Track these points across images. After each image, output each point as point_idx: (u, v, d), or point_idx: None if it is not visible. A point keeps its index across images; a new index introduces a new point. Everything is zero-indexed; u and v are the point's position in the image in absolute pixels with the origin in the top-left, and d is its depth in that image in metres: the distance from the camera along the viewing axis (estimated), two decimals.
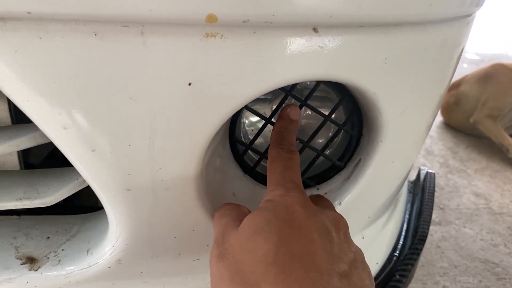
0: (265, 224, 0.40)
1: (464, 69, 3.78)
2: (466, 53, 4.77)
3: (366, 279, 0.40)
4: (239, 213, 0.46)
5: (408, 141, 0.59)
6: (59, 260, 0.53)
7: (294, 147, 0.51)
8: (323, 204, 0.50)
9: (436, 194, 2.00)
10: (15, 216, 0.59)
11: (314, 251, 0.38)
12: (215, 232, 0.45)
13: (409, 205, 0.97)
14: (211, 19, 0.36)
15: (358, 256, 0.42)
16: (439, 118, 2.93)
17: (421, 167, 1.07)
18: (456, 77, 2.84)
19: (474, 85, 2.57)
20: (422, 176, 1.05)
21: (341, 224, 0.44)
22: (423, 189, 0.99)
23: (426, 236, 0.84)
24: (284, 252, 0.37)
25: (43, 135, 0.43)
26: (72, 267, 0.52)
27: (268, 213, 0.41)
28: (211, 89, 0.41)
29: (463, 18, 0.54)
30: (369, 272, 0.42)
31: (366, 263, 0.43)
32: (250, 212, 0.47)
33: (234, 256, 0.40)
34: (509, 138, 2.37)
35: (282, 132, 0.52)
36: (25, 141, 0.48)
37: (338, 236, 0.42)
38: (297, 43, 0.41)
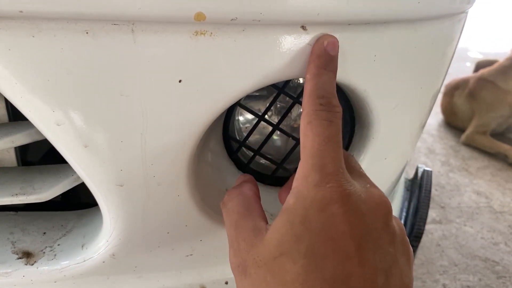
0: (293, 242, 0.34)
1: (467, 68, 3.77)
2: (469, 52, 4.76)
3: (406, 277, 0.36)
4: (250, 209, 0.41)
5: (400, 138, 0.60)
6: (55, 255, 0.54)
7: (337, 100, 0.40)
8: (362, 180, 0.40)
9: (437, 192, 2.00)
10: (12, 212, 0.60)
11: (349, 271, 0.33)
12: (227, 230, 0.41)
13: (406, 203, 0.98)
14: (199, 17, 0.37)
15: (398, 247, 0.36)
16: (441, 117, 2.92)
17: (419, 165, 1.07)
18: (456, 75, 2.84)
19: (465, 101, 2.66)
20: (419, 174, 1.05)
21: (384, 213, 0.37)
22: (420, 187, 0.99)
23: (422, 233, 0.85)
24: (314, 276, 0.32)
25: (38, 132, 0.44)
26: (67, 262, 0.53)
27: (297, 225, 0.34)
28: (201, 86, 0.42)
29: (455, 15, 0.54)
30: (409, 254, 0.38)
31: (406, 241, 0.38)
32: (259, 203, 0.42)
33: (259, 275, 0.35)
34: (503, 145, 2.40)
35: (319, 79, 0.40)
36: (20, 138, 0.49)
37: (379, 234, 0.35)
38: (286, 41, 0.42)
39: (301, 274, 0.33)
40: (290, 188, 0.39)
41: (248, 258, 0.36)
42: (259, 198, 0.45)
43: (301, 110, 0.40)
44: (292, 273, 0.33)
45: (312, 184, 0.35)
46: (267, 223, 0.40)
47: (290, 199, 0.37)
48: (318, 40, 0.42)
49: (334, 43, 0.41)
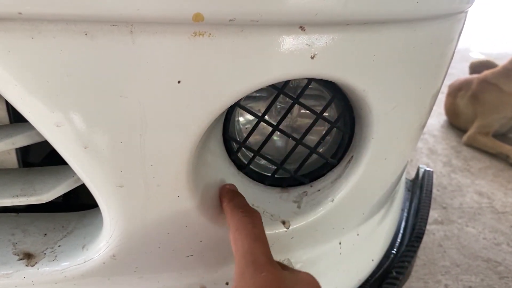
0: None
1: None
2: (470, 52, 4.75)
3: None
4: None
5: (400, 138, 0.60)
6: (56, 256, 0.54)
7: (253, 209, 0.50)
8: (289, 268, 0.47)
9: (439, 193, 1.99)
10: (13, 214, 0.60)
11: None
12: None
13: (407, 203, 0.97)
14: (198, 18, 0.37)
15: None
16: (443, 118, 2.92)
17: (420, 166, 1.07)
18: (458, 76, 2.83)
19: (468, 102, 2.66)
20: (420, 175, 1.05)
21: None
22: (421, 187, 0.99)
23: (423, 234, 0.85)
24: None
25: (38, 133, 0.44)
26: (67, 263, 0.54)
27: None
28: (200, 86, 0.42)
29: (454, 15, 0.54)
30: None
31: None
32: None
33: None
34: (505, 145, 2.40)
35: (235, 199, 0.51)
36: (21, 139, 0.49)
37: None
38: (284, 41, 0.42)
39: None
40: None
41: None
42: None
43: (228, 226, 0.48)
44: None
45: (248, 277, 0.40)
46: None
47: None
48: (222, 186, 0.55)
49: (233, 185, 0.55)
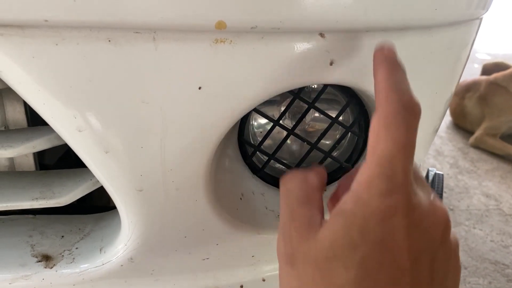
0: (349, 249, 0.32)
1: (475, 69, 3.75)
2: (477, 53, 4.73)
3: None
4: (310, 198, 0.38)
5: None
6: (73, 258, 0.54)
7: (416, 98, 0.35)
8: (426, 190, 0.36)
9: (446, 195, 1.99)
10: (30, 216, 0.61)
11: (402, 286, 0.32)
12: (282, 212, 0.38)
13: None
14: (220, 26, 0.38)
15: (451, 263, 0.36)
16: (449, 119, 2.91)
17: (430, 168, 1.07)
18: (464, 77, 2.82)
19: (476, 104, 2.65)
20: (430, 177, 1.05)
21: (444, 228, 0.35)
22: None
23: None
24: (366, 285, 0.31)
25: (58, 137, 0.45)
26: (85, 265, 0.54)
27: (355, 232, 0.32)
28: (220, 92, 0.42)
29: (470, 21, 0.54)
30: (459, 269, 0.37)
31: (458, 256, 0.37)
32: (321, 196, 0.40)
33: (306, 271, 0.34)
34: None
35: (395, 76, 0.36)
36: (41, 143, 0.50)
37: (436, 249, 0.34)
38: (304, 48, 0.42)
39: (351, 283, 0.31)
40: (338, 195, 0.38)
41: (298, 250, 0.35)
42: (322, 191, 0.41)
43: (375, 110, 0.35)
44: (343, 279, 0.32)
45: (377, 192, 0.32)
46: (323, 218, 0.37)
47: (349, 202, 0.34)
48: (378, 49, 0.39)
49: (393, 49, 0.39)
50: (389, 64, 0.37)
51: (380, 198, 0.32)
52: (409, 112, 0.33)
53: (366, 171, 0.33)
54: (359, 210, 0.33)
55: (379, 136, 0.33)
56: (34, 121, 0.56)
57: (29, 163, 0.58)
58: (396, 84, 0.35)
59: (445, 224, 0.35)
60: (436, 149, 2.52)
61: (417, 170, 0.38)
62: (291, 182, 0.40)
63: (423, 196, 0.35)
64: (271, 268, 0.62)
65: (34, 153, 0.59)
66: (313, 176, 0.41)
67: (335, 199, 0.44)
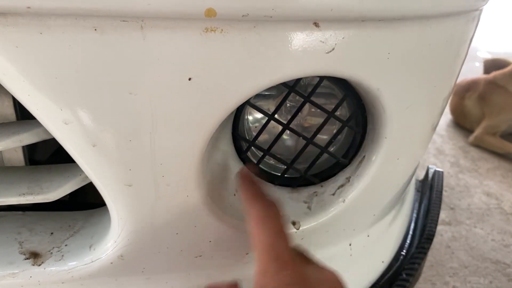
0: None
1: (476, 68, 3.73)
2: (478, 52, 4.71)
3: None
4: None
5: (413, 138, 0.59)
6: (62, 256, 0.53)
7: (268, 197, 0.46)
8: (312, 263, 0.46)
9: (446, 194, 1.98)
10: (19, 212, 0.59)
11: None
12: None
13: (417, 204, 0.96)
14: (210, 13, 0.36)
15: None
16: (449, 117, 2.90)
17: (430, 166, 1.06)
18: (465, 75, 2.81)
19: (475, 103, 2.65)
20: (430, 175, 1.04)
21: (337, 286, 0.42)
22: (431, 188, 0.98)
23: (433, 235, 0.83)
24: None
25: (46, 131, 0.44)
26: (74, 263, 0.53)
27: None
28: (211, 84, 0.41)
29: (469, 13, 0.53)
30: None
31: None
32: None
33: None
34: None
35: (254, 186, 0.48)
36: (28, 137, 0.48)
37: None
38: (298, 38, 0.41)
39: None
40: None
41: None
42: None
43: (246, 215, 0.45)
44: None
45: (271, 274, 0.39)
46: None
47: None
48: (239, 171, 0.52)
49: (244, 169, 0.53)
50: (248, 179, 0.49)
51: (274, 278, 0.38)
52: (270, 208, 0.44)
53: (258, 263, 0.41)
54: None
55: (256, 232, 0.42)
56: (24, 115, 0.55)
57: (18, 158, 0.57)
58: (255, 193, 0.46)
59: (338, 286, 0.42)
60: (437, 147, 2.51)
61: (305, 252, 0.48)
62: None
63: (313, 268, 0.43)
64: None
65: (23, 148, 0.58)
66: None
67: None
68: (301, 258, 0.45)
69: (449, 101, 2.84)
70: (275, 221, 0.43)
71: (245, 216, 0.45)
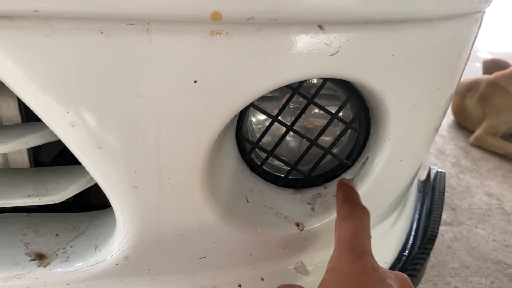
0: None
1: (477, 68, 3.73)
2: (479, 52, 4.72)
3: None
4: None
5: (416, 139, 0.59)
6: (68, 257, 0.53)
7: (365, 207, 0.51)
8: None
9: (448, 194, 1.98)
10: (25, 214, 0.60)
11: None
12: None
13: (419, 205, 0.96)
14: (216, 17, 0.36)
15: None
16: (451, 118, 2.90)
17: (431, 167, 1.06)
18: (466, 76, 2.81)
19: (476, 104, 2.66)
20: (432, 176, 1.04)
21: (406, 285, 0.44)
22: (433, 189, 0.98)
23: (436, 236, 0.84)
24: None
25: (51, 133, 0.44)
26: (80, 264, 0.53)
27: None
28: (216, 86, 0.41)
29: (472, 15, 0.53)
30: None
31: None
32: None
33: None
34: None
35: (349, 193, 0.53)
36: (34, 139, 0.49)
37: None
38: (302, 40, 0.41)
39: None
40: None
41: None
42: None
43: (336, 214, 0.51)
44: None
45: (346, 261, 0.44)
46: None
47: (326, 275, 0.45)
48: (339, 180, 0.57)
49: (349, 180, 0.58)
50: (346, 186, 0.55)
51: (348, 264, 0.43)
52: (361, 211, 0.49)
53: (335, 251, 0.47)
54: (335, 276, 0.43)
55: (340, 227, 0.48)
56: (29, 117, 0.55)
57: (24, 160, 0.57)
58: (350, 197, 0.52)
59: (403, 282, 0.43)
60: (438, 148, 2.51)
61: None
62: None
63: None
64: (270, 267, 0.61)
65: (28, 150, 0.58)
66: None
67: None
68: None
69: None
70: (360, 222, 0.48)
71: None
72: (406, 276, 0.45)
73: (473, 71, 3.35)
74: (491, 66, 2.94)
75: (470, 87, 2.72)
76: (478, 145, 2.52)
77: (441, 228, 1.73)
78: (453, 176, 2.17)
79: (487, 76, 2.67)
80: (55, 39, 0.37)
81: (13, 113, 0.54)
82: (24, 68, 0.38)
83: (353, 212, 0.49)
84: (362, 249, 0.45)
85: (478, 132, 2.54)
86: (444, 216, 1.81)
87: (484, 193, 2.02)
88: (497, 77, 2.58)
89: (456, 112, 2.82)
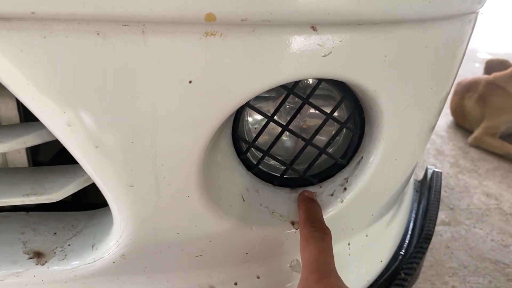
0: None
1: (476, 69, 3.74)
2: (478, 53, 4.72)
3: None
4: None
5: (411, 139, 0.59)
6: (65, 255, 0.54)
7: (326, 225, 0.53)
8: None
9: (446, 194, 1.98)
10: (23, 212, 0.60)
11: None
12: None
13: (415, 204, 0.97)
14: (210, 18, 0.37)
15: None
16: (450, 118, 2.90)
17: (428, 167, 1.06)
18: (465, 76, 2.82)
19: (475, 104, 2.66)
20: (429, 176, 1.04)
21: None
22: (429, 188, 0.99)
23: (431, 235, 0.84)
24: None
25: (49, 132, 0.44)
26: (77, 262, 0.54)
27: None
28: (211, 86, 0.42)
29: (465, 16, 0.54)
30: None
31: None
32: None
33: None
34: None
35: (310, 211, 0.55)
36: (32, 139, 0.49)
37: None
38: (296, 41, 0.41)
39: None
40: None
41: None
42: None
43: (299, 234, 0.53)
44: None
45: (312, 281, 0.46)
46: None
47: None
48: (300, 194, 0.60)
49: (311, 193, 0.60)
50: (307, 203, 0.57)
51: (314, 284, 0.45)
52: (320, 231, 0.51)
53: (302, 274, 0.48)
54: None
55: (304, 249, 0.50)
56: (28, 117, 0.56)
57: (22, 159, 0.58)
58: (310, 216, 0.54)
59: None
60: (437, 148, 2.52)
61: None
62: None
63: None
64: (266, 265, 0.62)
65: (27, 149, 0.59)
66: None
67: None
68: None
69: (449, 102, 2.85)
70: (323, 242, 0.50)
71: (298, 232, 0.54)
72: None
73: (472, 72, 3.35)
74: (494, 66, 2.94)
75: (469, 88, 2.73)
76: (476, 145, 2.53)
77: (440, 228, 1.74)
78: (452, 176, 2.17)
79: (486, 77, 2.68)
80: (52, 40, 0.38)
81: (12, 113, 0.55)
82: (21, 68, 0.39)
83: (315, 232, 0.51)
84: (326, 269, 0.47)
85: (477, 132, 2.54)
86: (443, 216, 1.82)
87: (483, 193, 2.02)
88: (496, 77, 2.58)
89: (455, 113, 2.82)
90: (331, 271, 0.47)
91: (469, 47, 0.63)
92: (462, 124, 2.78)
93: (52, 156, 0.76)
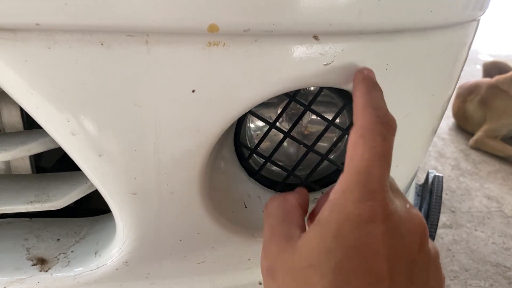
0: (323, 255, 0.32)
1: (477, 71, 3.74)
2: (479, 54, 4.72)
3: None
4: (288, 216, 0.40)
5: (412, 145, 0.60)
6: (69, 262, 0.54)
7: (392, 116, 0.38)
8: (402, 199, 0.37)
9: (447, 197, 1.98)
10: (26, 219, 0.61)
11: None
12: (264, 232, 0.40)
13: (416, 208, 0.97)
14: (213, 29, 0.37)
15: (431, 272, 0.35)
16: (451, 120, 2.91)
17: (430, 170, 1.06)
18: (467, 78, 2.82)
19: (477, 107, 2.67)
20: (430, 180, 1.04)
21: (421, 236, 0.35)
22: (430, 192, 0.99)
23: (433, 239, 0.84)
24: None
25: (53, 140, 0.45)
26: (80, 269, 0.54)
27: (330, 238, 0.33)
28: (214, 95, 0.42)
29: (467, 23, 0.54)
30: (440, 279, 0.37)
31: (439, 266, 0.37)
32: (301, 213, 0.41)
33: (285, 281, 0.34)
34: None
35: (372, 93, 0.39)
36: (35, 146, 0.50)
37: (413, 258, 0.34)
38: (298, 51, 0.42)
39: None
40: (316, 212, 0.40)
41: (277, 262, 0.36)
42: (302, 208, 0.44)
43: (353, 122, 0.38)
44: (319, 287, 0.32)
45: (352, 199, 0.33)
46: (303, 232, 0.38)
47: (325, 210, 0.35)
48: (358, 70, 0.43)
49: (372, 72, 0.43)
50: (368, 83, 0.41)
51: (354, 204, 0.33)
52: (384, 125, 0.36)
53: (343, 180, 0.35)
54: (334, 217, 0.33)
55: (356, 146, 0.35)
56: (31, 124, 0.56)
57: (25, 166, 0.58)
58: (372, 101, 0.38)
59: (422, 231, 0.35)
60: (438, 150, 2.52)
61: (392, 181, 0.40)
62: (272, 204, 0.43)
63: (399, 204, 0.35)
64: None
65: (30, 157, 0.59)
66: (292, 197, 0.44)
67: (313, 216, 0.45)
68: (392, 188, 0.37)
69: (451, 104, 2.85)
70: (383, 142, 0.35)
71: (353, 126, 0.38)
72: (423, 223, 0.36)
73: (474, 74, 3.35)
74: (491, 68, 2.95)
75: (471, 90, 2.73)
76: (478, 147, 2.53)
77: (441, 230, 1.74)
78: (453, 179, 2.18)
79: (488, 79, 2.69)
80: (56, 50, 0.38)
81: (16, 120, 0.55)
82: (26, 78, 0.39)
83: (377, 126, 0.36)
84: (377, 185, 0.33)
85: (479, 134, 2.55)
86: (444, 218, 1.82)
87: (484, 195, 2.02)
88: (498, 80, 2.59)
89: (456, 115, 2.83)
90: (382, 189, 0.33)
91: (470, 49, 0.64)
92: (464, 126, 2.79)
93: (55, 161, 0.76)
